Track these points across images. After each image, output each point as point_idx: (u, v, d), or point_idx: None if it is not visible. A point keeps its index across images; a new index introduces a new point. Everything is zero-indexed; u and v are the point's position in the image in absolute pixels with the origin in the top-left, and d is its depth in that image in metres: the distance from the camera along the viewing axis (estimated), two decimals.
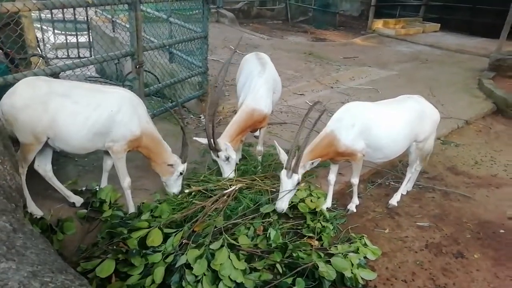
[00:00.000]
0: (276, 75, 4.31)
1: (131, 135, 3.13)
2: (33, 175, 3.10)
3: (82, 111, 2.90)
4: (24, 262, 1.11)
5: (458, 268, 3.26)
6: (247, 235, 3.12)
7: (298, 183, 3.25)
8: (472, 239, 3.62)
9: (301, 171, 3.25)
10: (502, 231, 3.75)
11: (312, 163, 3.24)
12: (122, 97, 3.10)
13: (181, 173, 3.49)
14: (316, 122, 3.25)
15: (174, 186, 3.51)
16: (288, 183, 3.22)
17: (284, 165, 3.24)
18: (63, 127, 2.87)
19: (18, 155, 2.90)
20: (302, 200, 3.56)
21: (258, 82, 3.94)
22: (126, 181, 3.26)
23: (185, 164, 3.50)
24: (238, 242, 2.98)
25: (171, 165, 3.39)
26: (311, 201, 3.58)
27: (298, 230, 3.37)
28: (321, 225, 3.38)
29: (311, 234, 3.29)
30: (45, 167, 3.16)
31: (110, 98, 3.05)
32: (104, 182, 3.50)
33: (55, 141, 2.95)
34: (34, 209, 3.07)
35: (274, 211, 3.36)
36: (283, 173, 3.23)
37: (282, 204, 3.26)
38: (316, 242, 3.23)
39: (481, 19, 15.26)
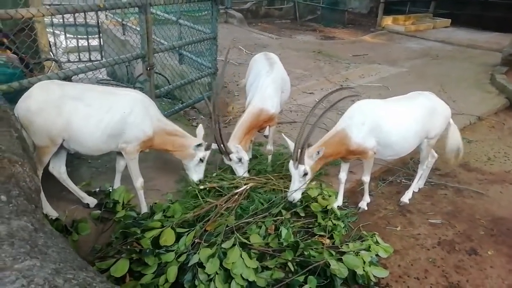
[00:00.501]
0: (285, 74, 4.32)
1: (144, 136, 3.19)
2: (48, 177, 3.17)
3: (95, 114, 2.97)
4: (47, 260, 1.15)
5: (472, 265, 3.23)
6: (258, 234, 3.14)
7: (306, 174, 3.26)
8: (485, 236, 3.58)
9: (308, 161, 3.24)
10: None
11: (318, 152, 3.23)
12: (133, 99, 3.17)
13: (201, 160, 3.54)
14: (323, 113, 3.24)
15: (194, 171, 3.59)
16: (295, 173, 3.26)
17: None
18: (77, 130, 2.94)
19: (35, 157, 2.96)
20: (315, 200, 3.56)
21: (266, 82, 3.96)
22: (139, 181, 3.31)
23: (208, 152, 3.56)
24: (249, 241, 3.00)
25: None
26: (323, 199, 3.58)
27: (309, 229, 3.38)
28: (332, 223, 3.38)
29: (322, 233, 3.29)
30: (59, 169, 3.23)
31: (122, 100, 3.11)
32: (117, 183, 3.56)
33: (70, 143, 3.02)
34: (50, 211, 3.14)
35: (287, 209, 3.37)
36: (290, 164, 3.28)
37: (293, 195, 3.30)
38: (328, 240, 3.23)
39: (493, 13, 15.03)
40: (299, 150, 3.17)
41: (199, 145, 3.45)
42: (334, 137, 3.40)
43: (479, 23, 15.07)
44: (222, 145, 3.60)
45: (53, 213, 3.15)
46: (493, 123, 6.28)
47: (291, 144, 3.35)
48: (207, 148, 3.53)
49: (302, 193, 3.44)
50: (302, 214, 3.49)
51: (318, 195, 3.60)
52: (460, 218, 3.83)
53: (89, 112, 2.95)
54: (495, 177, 4.67)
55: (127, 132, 3.11)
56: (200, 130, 3.71)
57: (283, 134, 3.51)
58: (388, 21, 14.44)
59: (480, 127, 6.15)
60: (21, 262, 1.10)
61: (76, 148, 3.08)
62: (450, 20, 15.71)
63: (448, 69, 9.06)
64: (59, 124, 2.88)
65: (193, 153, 3.48)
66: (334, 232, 3.31)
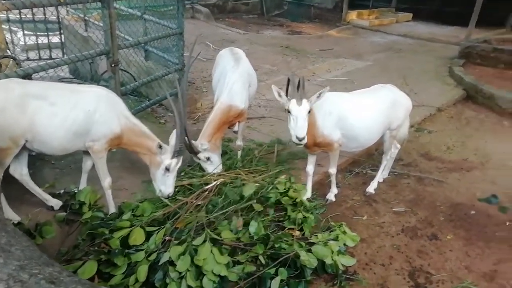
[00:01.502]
0: (251, 69, 4.33)
1: (111, 133, 3.10)
2: (8, 180, 3.05)
3: (59, 112, 2.87)
4: (11, 258, 1.14)
5: (433, 249, 3.41)
6: (229, 229, 3.16)
7: (309, 112, 3.16)
8: (445, 222, 3.79)
9: (308, 102, 3.16)
10: (472, 212, 3.94)
11: (320, 94, 3.19)
12: (98, 96, 3.08)
13: (167, 169, 3.30)
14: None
15: (161, 183, 3.35)
16: (299, 110, 3.11)
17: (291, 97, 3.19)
18: (42, 129, 2.84)
19: None
20: (285, 194, 3.62)
21: (232, 78, 3.95)
22: (106, 181, 3.25)
23: (175, 160, 3.30)
24: (220, 237, 3.02)
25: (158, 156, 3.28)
26: (294, 191, 3.64)
27: (280, 222, 3.44)
28: (302, 215, 3.46)
29: (292, 226, 3.36)
30: (21, 171, 3.11)
31: (86, 98, 3.02)
32: (83, 183, 3.48)
33: (33, 144, 2.90)
34: (11, 215, 3.02)
35: (259, 202, 3.40)
36: (293, 103, 3.13)
37: (300, 131, 3.12)
38: (298, 232, 3.31)
39: (451, 8, 15.69)
40: (302, 90, 3.12)
41: (160, 147, 3.24)
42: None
43: (438, 17, 15.70)
44: (188, 143, 3.55)
45: (15, 217, 3.04)
46: (452, 114, 6.59)
47: (284, 96, 3.24)
48: (174, 156, 3.29)
49: (272, 188, 3.49)
50: (272, 208, 3.53)
51: (288, 188, 3.66)
52: (422, 206, 4.02)
53: (53, 111, 2.85)
54: (453, 165, 4.92)
55: (93, 130, 3.03)
56: (173, 137, 3.40)
57: (272, 86, 3.38)
58: (353, 15, 14.76)
59: (439, 118, 6.44)
60: None
61: (41, 149, 2.97)
62: (411, 14, 16.26)
63: (410, 62, 9.40)
64: (22, 124, 2.77)
65: (159, 161, 3.29)
66: (304, 224, 3.39)
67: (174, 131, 3.40)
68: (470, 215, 3.89)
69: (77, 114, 2.94)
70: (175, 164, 3.34)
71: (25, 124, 2.78)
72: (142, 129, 3.30)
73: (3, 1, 3.44)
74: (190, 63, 4.03)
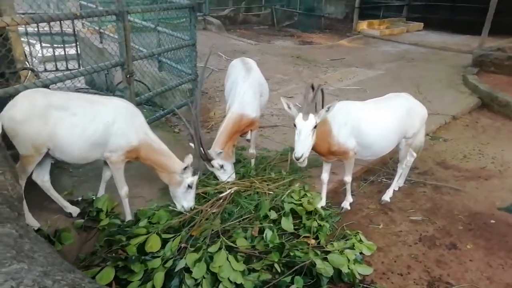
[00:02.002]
0: (262, 79, 4.37)
1: (128, 145, 3.14)
2: (29, 187, 3.11)
3: (79, 123, 2.95)
4: (34, 264, 1.15)
5: (452, 259, 3.34)
6: (245, 237, 3.16)
7: (315, 127, 3.15)
8: (464, 231, 3.71)
9: (315, 117, 3.14)
10: (492, 221, 3.85)
11: (328, 108, 3.16)
12: (117, 108, 3.14)
13: (189, 186, 3.33)
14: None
15: (183, 199, 3.37)
16: (305, 126, 3.10)
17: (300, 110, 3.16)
18: (62, 139, 2.92)
19: (18, 167, 2.92)
20: (300, 204, 3.59)
21: (243, 87, 4.00)
22: (123, 190, 3.28)
23: (196, 177, 3.36)
24: (236, 244, 3.02)
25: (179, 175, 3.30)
26: (308, 202, 3.61)
27: (295, 231, 3.41)
28: (317, 223, 3.43)
29: (307, 234, 3.34)
30: (43, 178, 3.18)
31: (106, 109, 3.08)
32: (101, 192, 3.52)
33: (55, 152, 3.00)
34: (31, 221, 3.07)
35: (272, 212, 3.39)
36: (299, 118, 3.12)
37: (301, 148, 3.13)
38: (313, 241, 3.28)
39: (462, 17, 15.61)
40: (310, 103, 3.10)
41: (185, 168, 3.25)
42: (322, 123, 3.31)
43: (450, 26, 15.63)
44: (202, 150, 3.58)
45: (35, 224, 3.09)
46: (467, 122, 6.51)
47: (293, 108, 3.24)
48: (194, 173, 3.33)
49: (287, 196, 3.49)
50: (287, 217, 3.50)
51: (303, 196, 3.64)
52: (439, 214, 3.95)
53: (74, 122, 2.93)
54: (471, 173, 4.84)
55: (111, 141, 3.08)
56: (189, 159, 3.31)
57: (281, 98, 3.35)
58: (363, 25, 14.79)
59: (455, 126, 6.36)
60: (9, 266, 1.10)
61: (61, 157, 3.05)
62: (422, 24, 16.24)
63: (422, 71, 9.35)
64: (44, 134, 2.86)
65: (180, 180, 3.30)
66: (319, 233, 3.36)
67: (190, 155, 3.32)
68: (490, 224, 3.81)
69: (96, 125, 3.00)
70: (196, 180, 3.39)
71: (47, 134, 2.86)
72: (161, 146, 3.31)
73: (22, 16, 3.55)
74: (204, 74, 4.10)
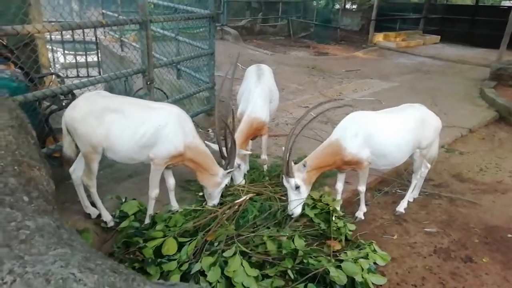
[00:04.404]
0: (273, 86, 4.47)
1: (174, 150, 3.24)
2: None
3: (131, 125, 3.10)
4: (75, 250, 1.24)
5: (467, 272, 3.30)
6: (259, 243, 3.19)
7: (298, 187, 3.37)
8: (480, 244, 3.67)
9: (297, 174, 3.37)
10: (509, 235, 3.80)
11: (304, 165, 3.37)
12: (169, 113, 3.27)
13: (226, 185, 3.59)
14: (305, 125, 3.40)
15: (217, 197, 3.59)
16: (288, 187, 3.39)
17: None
18: (115, 139, 3.09)
19: (85, 168, 3.22)
20: (320, 200, 3.69)
21: (255, 93, 4.13)
22: (154, 192, 3.38)
23: (229, 178, 3.59)
24: (250, 250, 3.05)
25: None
26: (327, 205, 3.66)
27: (322, 232, 3.48)
28: (340, 224, 3.50)
29: (333, 235, 3.39)
30: (78, 173, 3.32)
31: (158, 114, 3.22)
32: (174, 203, 3.61)
33: (107, 152, 3.16)
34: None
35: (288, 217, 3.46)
36: (284, 179, 3.41)
37: (294, 210, 3.41)
38: (338, 245, 3.33)
39: (480, 31, 15.53)
40: (287, 164, 3.30)
41: (229, 172, 3.48)
42: (327, 147, 3.51)
43: (467, 40, 15.55)
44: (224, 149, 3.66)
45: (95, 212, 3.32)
46: (484, 135, 6.44)
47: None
48: (230, 173, 3.57)
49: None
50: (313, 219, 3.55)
51: (321, 196, 3.71)
52: (454, 227, 3.92)
53: (126, 123, 3.09)
54: (487, 187, 4.79)
55: (158, 144, 3.19)
56: (235, 164, 3.62)
57: (283, 148, 3.57)
58: (379, 37, 14.82)
59: (471, 139, 6.30)
60: (54, 250, 1.19)
61: (112, 157, 3.22)
62: (439, 36, 16.18)
63: (438, 84, 9.30)
64: (99, 134, 3.04)
65: (219, 181, 3.49)
66: (340, 236, 3.42)
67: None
68: (506, 238, 3.76)
69: (147, 128, 3.14)
70: (229, 178, 3.62)
71: (102, 134, 3.05)
72: (206, 150, 3.47)
73: (53, 23, 3.72)
74: (223, 82, 4.23)
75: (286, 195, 3.65)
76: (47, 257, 1.13)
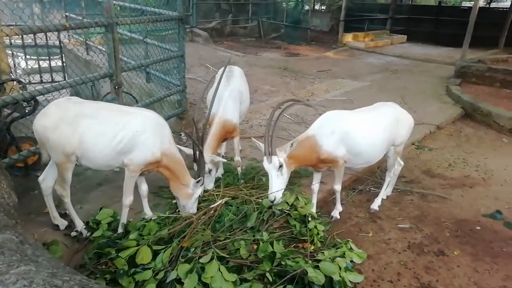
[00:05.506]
0: (242, 87, 4.44)
1: (151, 157, 3.15)
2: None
3: (107, 131, 2.98)
4: (40, 266, 1.15)
5: (440, 265, 3.38)
6: (235, 247, 3.14)
7: (281, 166, 3.27)
8: (451, 237, 3.77)
9: (281, 154, 3.29)
10: (478, 228, 3.93)
11: (292, 144, 3.30)
12: (147, 118, 3.17)
13: (200, 195, 3.49)
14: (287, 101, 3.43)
15: (192, 208, 3.49)
16: (270, 168, 3.27)
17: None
18: (90, 147, 2.95)
19: (58, 178, 3.07)
20: (295, 208, 3.62)
21: (225, 95, 4.10)
22: (128, 199, 3.27)
23: (202, 187, 3.49)
24: (227, 255, 3.00)
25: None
26: (301, 207, 3.63)
27: (293, 236, 3.43)
28: (314, 225, 3.47)
29: (306, 238, 3.35)
30: (48, 183, 3.17)
31: (135, 119, 3.10)
32: (146, 208, 3.51)
33: (82, 160, 3.02)
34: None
35: (264, 220, 3.41)
36: (264, 161, 3.29)
37: (275, 194, 3.30)
38: (311, 246, 3.29)
39: (444, 30, 16.13)
40: (269, 143, 3.22)
41: (199, 181, 3.37)
42: (304, 141, 3.47)
43: (432, 39, 16.12)
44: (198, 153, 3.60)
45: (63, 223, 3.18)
46: (451, 131, 6.66)
47: (262, 145, 3.38)
48: (201, 184, 3.45)
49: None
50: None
51: (295, 200, 3.66)
52: (426, 222, 4.01)
53: (102, 130, 2.97)
54: (456, 181, 4.94)
55: (135, 150, 3.09)
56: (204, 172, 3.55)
57: (252, 138, 3.51)
58: (348, 38, 15.10)
59: (439, 135, 6.50)
60: (16, 268, 1.11)
61: (87, 164, 3.09)
62: (406, 36, 16.68)
63: (406, 82, 9.56)
64: (73, 142, 2.90)
65: (191, 192, 3.41)
66: (314, 236, 3.39)
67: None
68: (475, 230, 3.88)
69: (124, 134, 3.02)
70: (202, 191, 3.51)
71: (75, 141, 2.91)
72: (181, 158, 3.38)
73: (12, 27, 3.54)
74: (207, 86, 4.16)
75: (262, 197, 3.62)
76: (8, 276, 1.05)
